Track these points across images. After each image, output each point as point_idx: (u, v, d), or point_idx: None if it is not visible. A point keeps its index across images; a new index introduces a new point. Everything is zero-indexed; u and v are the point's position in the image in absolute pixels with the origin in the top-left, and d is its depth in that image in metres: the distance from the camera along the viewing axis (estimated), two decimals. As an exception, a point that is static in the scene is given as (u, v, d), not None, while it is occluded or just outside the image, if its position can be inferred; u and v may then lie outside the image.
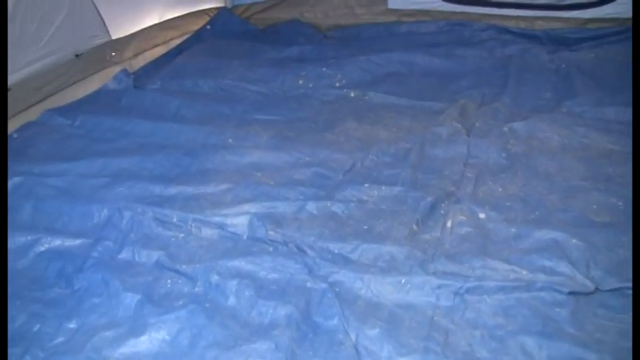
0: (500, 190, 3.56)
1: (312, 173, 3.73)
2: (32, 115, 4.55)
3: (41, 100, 4.70)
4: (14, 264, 3.09)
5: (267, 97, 4.87)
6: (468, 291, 2.75)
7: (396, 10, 6.25)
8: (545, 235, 3.11)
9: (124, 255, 3.12)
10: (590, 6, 5.90)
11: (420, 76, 5.17)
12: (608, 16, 5.88)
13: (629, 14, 5.76)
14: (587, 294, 2.78)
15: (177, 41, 6.10)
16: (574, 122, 4.30)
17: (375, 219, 3.28)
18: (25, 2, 4.37)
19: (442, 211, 3.35)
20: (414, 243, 3.09)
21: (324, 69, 5.19)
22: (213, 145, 4.09)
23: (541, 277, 2.84)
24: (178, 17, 6.16)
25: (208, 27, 6.32)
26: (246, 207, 3.35)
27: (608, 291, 2.81)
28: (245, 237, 3.18)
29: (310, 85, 4.99)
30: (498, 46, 5.63)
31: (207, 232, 3.23)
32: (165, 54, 5.87)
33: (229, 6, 6.64)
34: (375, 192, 3.51)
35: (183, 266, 2.96)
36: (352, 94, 4.82)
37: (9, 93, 4.28)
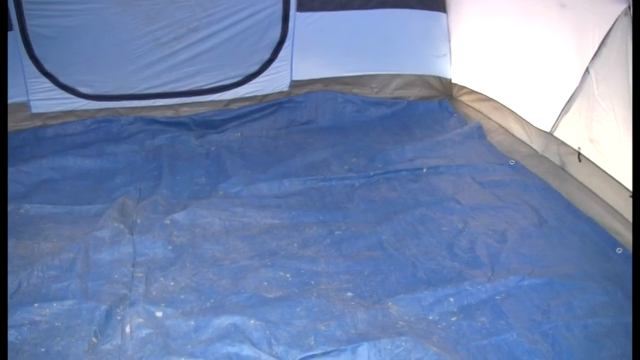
0: (172, 284, 3.60)
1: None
2: None
3: None
4: None
5: None
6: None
7: (40, 114, 6.10)
8: (223, 321, 3.21)
9: None
10: (231, 87, 6.18)
11: (73, 179, 5.07)
12: (247, 95, 6.20)
13: (269, 90, 6.20)
14: (273, 372, 2.89)
15: None
16: (231, 203, 4.48)
17: (51, 339, 3.19)
18: None
19: (119, 317, 3.33)
20: (96, 356, 3.05)
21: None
22: None
23: (226, 365, 2.91)
24: None
25: None
26: None
27: (294, 365, 2.94)
28: None
29: (-40, 206, 4.73)
30: (148, 138, 5.67)
31: None
32: None
33: None
34: (47, 310, 3.40)
35: None
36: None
37: None
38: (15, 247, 4.06)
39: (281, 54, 6.17)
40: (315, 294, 3.47)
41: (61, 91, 6.10)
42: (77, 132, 5.93)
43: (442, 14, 6.18)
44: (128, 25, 5.93)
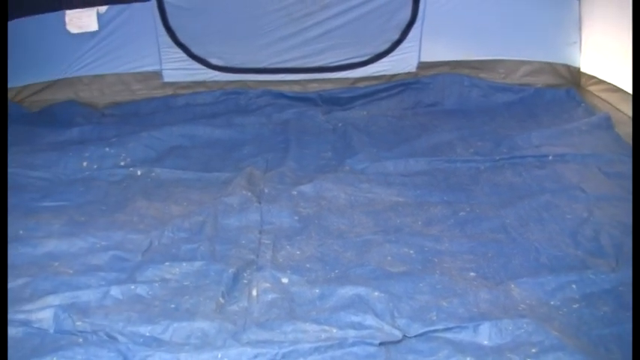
0: (298, 252, 3.65)
1: (110, 257, 3.66)
2: None
3: None
4: None
5: (52, 182, 4.71)
6: (284, 356, 2.78)
7: (171, 83, 6.27)
8: (348, 291, 3.22)
9: None
10: (359, 65, 6.20)
11: (202, 147, 5.21)
12: (375, 74, 6.21)
13: (396, 70, 6.16)
14: (396, 342, 2.91)
15: (-51, 132, 5.85)
16: (357, 179, 4.50)
17: (180, 296, 3.27)
18: None
19: (245, 281, 3.38)
20: (223, 316, 3.10)
21: (107, 148, 5.09)
22: (2, 238, 3.93)
23: (351, 333, 2.93)
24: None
25: (-21, 114, 6.10)
26: (49, 299, 3.22)
27: (414, 337, 2.95)
28: (52, 331, 3.04)
29: (95, 167, 4.89)
30: (276, 111, 5.78)
31: (12, 331, 3.04)
32: None
33: (0, 90, 6.43)
34: (177, 269, 3.49)
35: (-11, 371, 2.83)
36: (139, 172, 4.76)
37: None
38: (147, 208, 4.21)
39: (410, 35, 6.14)
40: (438, 271, 3.46)
41: (193, 62, 6.25)
42: (207, 102, 6.06)
43: (574, 1, 6.05)
44: (262, -1, 6.03)
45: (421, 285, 3.31)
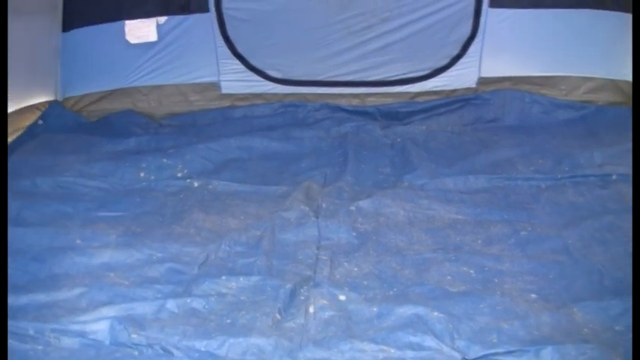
0: (355, 269, 3.60)
1: (167, 269, 3.65)
2: None
3: None
4: None
5: (109, 192, 4.73)
6: (341, 376, 2.76)
7: (230, 95, 6.27)
8: (406, 311, 3.17)
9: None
10: (418, 80, 6.13)
11: (260, 160, 5.19)
12: (436, 89, 6.12)
13: (456, 86, 6.07)
14: (455, 365, 2.85)
15: (10, 139, 5.89)
16: (416, 195, 4.43)
17: (236, 311, 3.24)
18: None
19: (302, 297, 3.35)
20: (279, 332, 3.07)
21: (164, 159, 5.10)
22: (60, 247, 3.92)
23: (410, 354, 2.89)
24: (8, 114, 5.95)
25: (40, 122, 6.14)
26: (105, 311, 3.23)
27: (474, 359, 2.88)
28: (107, 343, 3.05)
29: (152, 177, 4.89)
30: (334, 125, 5.73)
31: (67, 342, 3.07)
32: (-3, 154, 5.66)
33: (60, 99, 6.48)
34: (233, 283, 3.47)
35: (45, 381, 2.83)
36: (196, 184, 4.76)
37: None
38: (204, 221, 4.19)
39: (470, 50, 6.05)
40: (498, 292, 3.38)
41: (251, 74, 6.24)
42: (264, 114, 6.05)
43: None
44: (321, 12, 5.99)
45: (481, 306, 3.25)
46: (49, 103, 6.32)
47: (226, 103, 6.29)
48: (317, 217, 4.15)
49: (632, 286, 2.94)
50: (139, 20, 6.02)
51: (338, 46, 6.06)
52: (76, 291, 3.44)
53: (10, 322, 3.14)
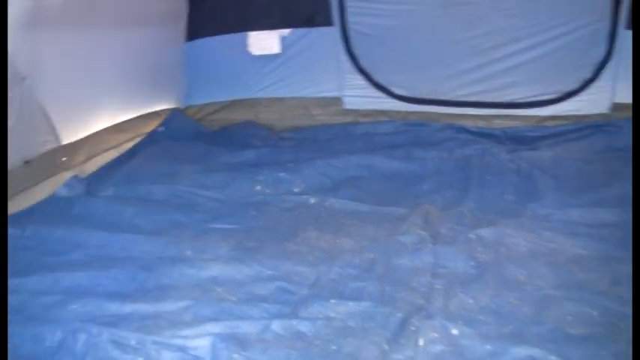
0: (471, 302, 3.42)
1: (276, 288, 3.56)
2: (-20, 226, 4.37)
3: (-11, 211, 4.53)
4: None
5: (224, 204, 4.73)
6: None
7: (352, 111, 6.23)
8: (521, 352, 2.97)
9: (79, 381, 2.92)
10: (547, 103, 5.94)
11: (380, 179, 5.08)
12: (565, 114, 5.92)
13: (587, 111, 5.84)
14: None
15: (130, 144, 5.97)
16: (540, 226, 4.21)
17: (343, 338, 3.11)
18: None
19: (413, 328, 3.17)
20: (385, 364, 2.94)
21: (282, 174, 5.07)
22: (170, 257, 3.92)
23: (521, 398, 2.72)
24: (130, 120, 6.04)
25: (161, 129, 6.22)
26: (208, 327, 3.16)
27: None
28: (207, 360, 3.00)
29: (268, 191, 4.87)
30: (457, 147, 5.57)
31: (168, 356, 3.00)
32: (117, 158, 5.73)
33: (182, 107, 6.55)
34: (343, 308, 3.33)
35: (143, 395, 2.78)
36: (312, 201, 4.70)
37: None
38: (317, 240, 4.11)
39: (604, 74, 5.81)
40: (623, 339, 3.15)
41: (375, 90, 6.20)
42: (387, 132, 5.99)
43: None
44: (447, 29, 5.92)
45: (603, 353, 3.01)
46: (171, 110, 6.40)
47: (349, 118, 6.26)
48: (434, 244, 3.98)
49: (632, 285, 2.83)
50: (262, 32, 6.06)
51: (464, 65, 5.94)
52: (182, 304, 3.40)
53: (113, 331, 3.15)
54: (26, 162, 4.81)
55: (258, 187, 4.92)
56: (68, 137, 5.25)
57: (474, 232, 4.10)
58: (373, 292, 3.48)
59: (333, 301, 3.40)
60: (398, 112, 6.17)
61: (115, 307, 3.40)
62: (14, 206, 4.64)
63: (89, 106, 5.56)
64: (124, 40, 5.68)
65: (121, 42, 5.65)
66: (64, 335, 3.16)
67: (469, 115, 6.05)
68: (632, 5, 4.10)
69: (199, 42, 6.25)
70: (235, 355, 2.98)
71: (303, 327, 3.19)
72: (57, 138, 5.14)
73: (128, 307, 3.40)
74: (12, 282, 3.65)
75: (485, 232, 4.10)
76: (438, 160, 5.37)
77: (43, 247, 4.15)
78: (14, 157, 4.67)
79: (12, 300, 3.47)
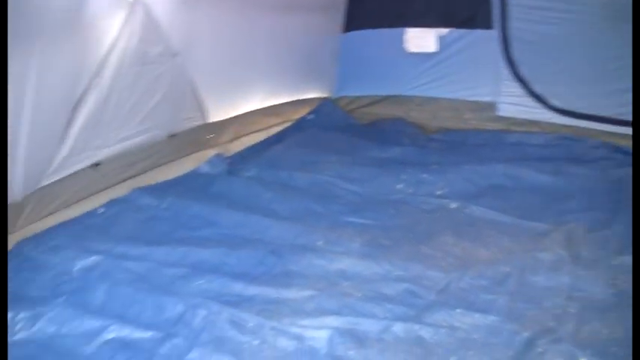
0: (604, 331, 3.22)
1: (403, 289, 3.48)
2: (121, 191, 4.48)
3: (131, 177, 4.64)
4: (80, 349, 2.98)
5: (364, 198, 4.69)
6: None
7: (505, 118, 6.07)
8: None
9: (193, 356, 2.91)
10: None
11: (524, 191, 4.90)
12: None
13: None
14: None
15: (278, 128, 6.02)
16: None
17: (465, 349, 3.00)
18: (122, 82, 4.30)
19: (540, 349, 3.02)
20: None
21: (426, 175, 5.00)
22: (301, 245, 3.91)
23: None
24: (280, 104, 6.07)
25: (310, 117, 6.23)
26: (328, 320, 3.13)
27: None
28: (323, 353, 2.94)
29: (410, 191, 4.80)
30: (612, 167, 5.28)
31: (284, 343, 3.00)
32: (263, 141, 5.79)
33: (333, 97, 6.54)
34: (468, 319, 3.22)
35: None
36: (453, 205, 4.59)
37: (99, 167, 4.24)
38: (453, 246, 4.01)
39: None
40: None
41: (531, 99, 6.02)
42: (539, 144, 5.81)
43: None
44: (612, 43, 5.62)
45: None
46: (322, 99, 6.39)
47: (501, 126, 6.11)
48: (573, 265, 3.78)
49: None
50: (420, 29, 5.98)
51: (627, 83, 5.61)
52: (306, 293, 3.38)
53: (233, 311, 3.18)
54: (171, 135, 4.89)
55: (400, 186, 4.86)
56: (215, 116, 5.33)
57: (618, 259, 3.85)
58: (502, 307, 3.34)
59: (459, 310, 3.29)
60: (552, 125, 5.95)
61: (238, 288, 3.42)
62: (156, 177, 4.73)
63: (240, 88, 5.63)
64: (281, 26, 5.71)
65: (278, 27, 5.69)
66: (184, 309, 3.20)
67: (627, 134, 5.75)
68: (632, 5, 3.86)
69: (355, 34, 6.23)
70: (351, 352, 2.93)
71: (425, 333, 3.11)
72: (203, 115, 5.22)
73: (252, 290, 3.41)
74: (142, 250, 3.74)
75: (630, 260, 3.86)
76: (589, 177, 5.11)
77: (178, 220, 4.23)
78: (160, 129, 4.76)
79: (139, 267, 3.55)
